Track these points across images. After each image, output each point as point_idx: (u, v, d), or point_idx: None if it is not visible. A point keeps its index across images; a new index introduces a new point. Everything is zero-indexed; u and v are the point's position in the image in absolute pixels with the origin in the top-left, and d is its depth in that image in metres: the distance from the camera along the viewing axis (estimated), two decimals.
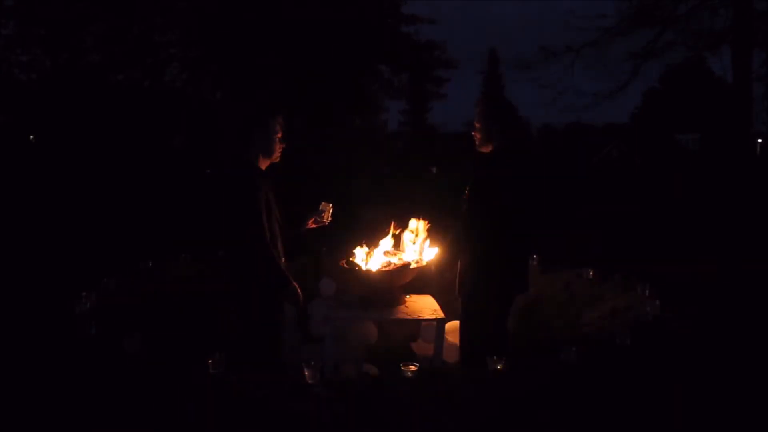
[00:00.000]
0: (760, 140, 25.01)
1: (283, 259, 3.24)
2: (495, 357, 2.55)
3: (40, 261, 7.19)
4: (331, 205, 3.64)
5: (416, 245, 4.08)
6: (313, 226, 3.64)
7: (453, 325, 3.85)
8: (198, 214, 8.83)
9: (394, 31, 19.08)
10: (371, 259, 4.03)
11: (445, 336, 3.79)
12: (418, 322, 4.23)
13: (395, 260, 4.01)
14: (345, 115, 18.07)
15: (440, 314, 3.79)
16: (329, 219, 3.65)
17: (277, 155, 3.27)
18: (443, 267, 3.75)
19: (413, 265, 3.95)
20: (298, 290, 3.17)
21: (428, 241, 4.05)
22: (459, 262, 3.35)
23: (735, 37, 12.45)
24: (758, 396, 2.56)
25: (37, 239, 8.88)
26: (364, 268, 3.94)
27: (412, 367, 2.46)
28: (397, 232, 4.11)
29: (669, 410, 2.38)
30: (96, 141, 15.40)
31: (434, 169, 21.70)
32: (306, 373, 2.42)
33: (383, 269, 3.92)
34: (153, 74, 16.75)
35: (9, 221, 10.57)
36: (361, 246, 4.09)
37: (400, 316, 3.82)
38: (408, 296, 4.05)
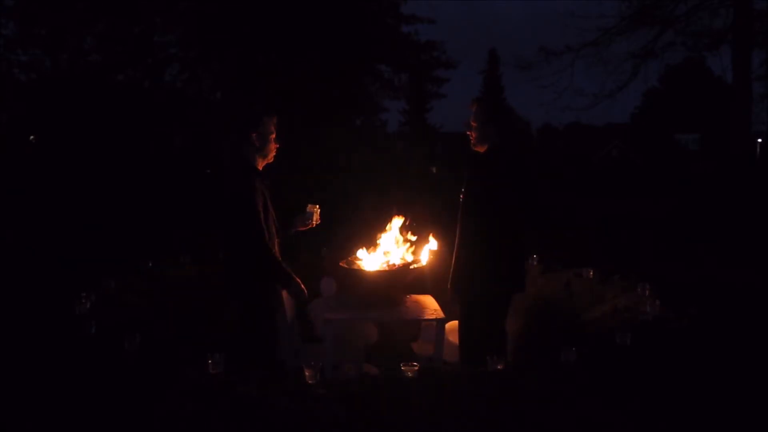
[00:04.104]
0: (760, 140, 25.00)
1: (280, 259, 3.24)
2: (495, 357, 2.55)
3: (41, 261, 7.19)
4: (318, 207, 3.61)
5: (414, 246, 4.09)
6: (302, 228, 3.62)
7: (453, 325, 3.85)
8: (198, 214, 8.83)
9: (394, 31, 19.07)
10: (373, 257, 4.03)
11: (445, 336, 3.79)
12: (418, 322, 4.24)
13: (395, 260, 4.02)
14: (345, 115, 18.05)
15: (440, 314, 3.79)
16: (318, 221, 3.63)
17: (271, 155, 3.27)
18: (441, 267, 3.76)
19: (413, 266, 3.96)
20: (302, 285, 3.18)
21: (429, 241, 4.05)
22: (453, 261, 3.35)
23: (735, 37, 12.45)
24: (758, 396, 2.56)
25: (37, 239, 8.88)
26: (364, 268, 3.95)
27: (412, 367, 2.45)
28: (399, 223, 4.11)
29: (669, 410, 2.38)
30: (96, 141, 15.40)
31: (434, 169, 21.71)
32: (306, 373, 2.42)
33: (383, 269, 3.92)
34: (153, 74, 16.74)
35: (9, 221, 10.57)
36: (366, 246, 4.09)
37: (400, 316, 3.82)
38: (408, 296, 4.05)
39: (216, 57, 15.68)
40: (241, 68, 15.13)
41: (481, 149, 3.33)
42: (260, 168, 3.25)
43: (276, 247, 3.22)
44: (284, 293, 3.29)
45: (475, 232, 3.23)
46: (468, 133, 3.35)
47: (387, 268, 3.93)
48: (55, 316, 3.20)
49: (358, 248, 4.13)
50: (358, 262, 4.03)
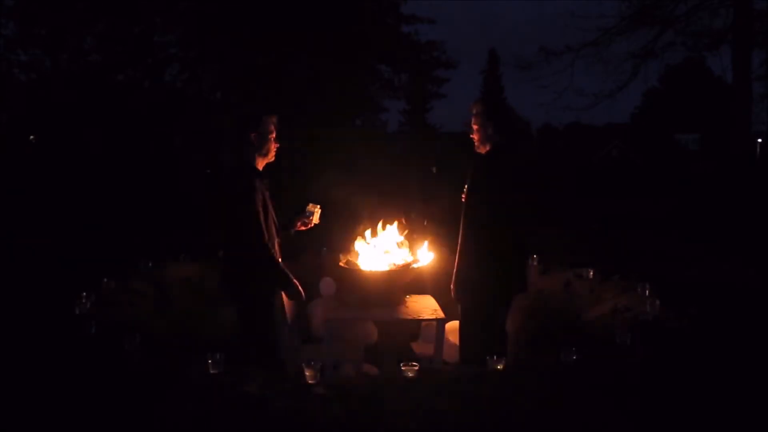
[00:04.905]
0: (760, 140, 25.00)
1: (280, 259, 3.24)
2: (495, 357, 2.55)
3: (41, 261, 7.19)
4: (319, 206, 3.62)
5: (413, 246, 4.09)
6: (302, 228, 3.63)
7: (453, 325, 3.85)
8: (197, 214, 8.84)
9: (394, 31, 19.08)
10: (372, 252, 4.03)
11: (445, 336, 3.79)
12: (418, 322, 4.24)
13: (396, 260, 4.02)
14: (345, 115, 18.06)
15: (440, 314, 3.79)
16: (318, 221, 3.64)
17: (272, 155, 3.28)
18: (441, 267, 3.75)
19: (413, 266, 3.96)
20: (299, 287, 3.18)
21: (427, 242, 4.06)
22: (456, 262, 3.35)
23: (735, 37, 12.44)
24: (759, 396, 2.56)
25: (37, 239, 8.87)
26: (364, 268, 3.95)
27: (412, 367, 2.46)
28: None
29: (669, 410, 2.38)
30: (96, 141, 15.40)
31: (434, 169, 21.71)
32: (306, 373, 2.42)
33: (383, 269, 3.92)
34: (153, 74, 16.74)
35: (9, 221, 10.57)
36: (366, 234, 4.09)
37: (400, 316, 3.82)
38: (408, 296, 4.05)
39: (216, 57, 15.68)
40: (241, 68, 15.13)
41: (483, 150, 3.34)
42: (260, 168, 3.25)
43: (276, 247, 3.23)
44: (284, 293, 3.29)
45: (478, 232, 3.23)
46: (471, 136, 3.36)
47: (387, 268, 3.93)
48: (55, 316, 3.20)
49: (356, 244, 4.12)
50: (357, 262, 4.03)
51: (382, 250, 4.06)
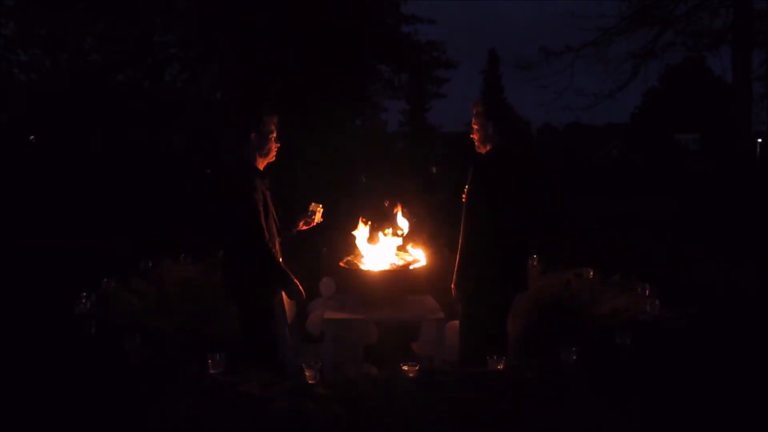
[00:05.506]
0: (760, 140, 24.99)
1: (280, 258, 3.24)
2: (495, 357, 2.55)
3: (41, 261, 7.20)
4: (321, 206, 3.63)
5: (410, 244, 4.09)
6: (304, 227, 3.62)
7: (453, 325, 3.85)
8: (198, 214, 8.84)
9: (394, 31, 19.06)
10: (372, 257, 4.03)
11: (445, 336, 3.79)
12: (418, 322, 4.24)
13: (396, 260, 4.02)
14: (345, 115, 18.05)
15: (440, 314, 3.79)
16: (320, 220, 3.64)
17: (272, 155, 3.28)
18: (442, 267, 3.75)
19: (413, 266, 3.96)
20: (300, 287, 3.18)
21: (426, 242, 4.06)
22: (456, 262, 3.35)
23: (735, 37, 12.46)
24: (758, 396, 2.56)
25: (37, 239, 8.88)
26: (364, 268, 3.95)
27: (412, 367, 2.46)
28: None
29: (669, 410, 2.38)
30: (96, 141, 15.42)
31: (434, 169, 21.72)
32: (306, 373, 2.42)
33: (383, 269, 3.92)
34: (153, 74, 16.74)
35: (9, 221, 10.57)
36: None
37: (400, 316, 3.82)
38: (408, 296, 4.05)
39: (216, 57, 15.67)
40: (242, 68, 15.13)
41: (484, 150, 3.34)
42: (261, 167, 3.25)
43: (276, 247, 3.23)
44: (284, 293, 3.29)
45: (478, 232, 3.23)
46: (471, 136, 3.36)
47: (387, 268, 3.93)
48: (55, 316, 3.20)
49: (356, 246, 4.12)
50: (358, 262, 4.03)
51: (382, 250, 4.06)
